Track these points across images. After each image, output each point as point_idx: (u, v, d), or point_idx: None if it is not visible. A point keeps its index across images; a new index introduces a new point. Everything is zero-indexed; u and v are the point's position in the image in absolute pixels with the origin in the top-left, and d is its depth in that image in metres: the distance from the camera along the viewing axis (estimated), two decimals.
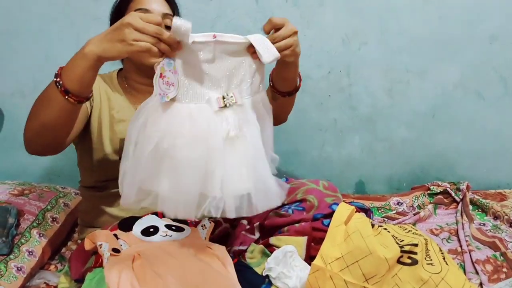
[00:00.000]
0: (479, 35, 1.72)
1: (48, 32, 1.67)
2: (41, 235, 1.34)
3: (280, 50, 0.97)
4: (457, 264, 1.23)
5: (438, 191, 1.69)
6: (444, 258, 1.09)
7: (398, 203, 1.66)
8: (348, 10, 1.69)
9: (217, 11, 1.65)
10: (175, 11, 1.30)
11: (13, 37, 1.67)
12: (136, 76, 1.28)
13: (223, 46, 0.94)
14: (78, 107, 1.03)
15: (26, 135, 1.07)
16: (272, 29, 0.99)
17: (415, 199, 1.65)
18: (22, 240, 1.28)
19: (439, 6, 1.69)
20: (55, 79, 0.97)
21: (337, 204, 1.21)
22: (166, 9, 1.24)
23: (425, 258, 1.06)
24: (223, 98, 0.96)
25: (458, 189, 1.68)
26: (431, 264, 1.05)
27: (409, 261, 1.04)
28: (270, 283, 1.12)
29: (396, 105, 1.79)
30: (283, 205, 1.30)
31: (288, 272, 1.12)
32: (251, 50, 0.97)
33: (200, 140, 0.92)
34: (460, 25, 1.71)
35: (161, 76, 0.92)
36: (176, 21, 0.86)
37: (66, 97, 0.96)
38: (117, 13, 1.27)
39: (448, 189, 1.68)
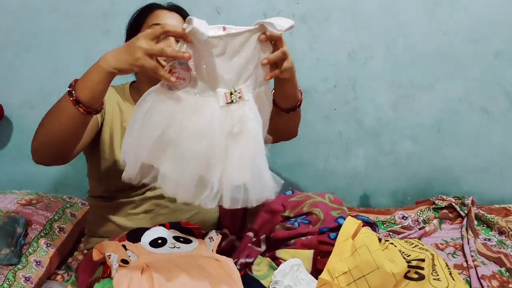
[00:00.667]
0: (484, 51, 1.74)
1: (58, 45, 1.69)
2: (48, 245, 1.35)
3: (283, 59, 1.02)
4: (463, 279, 1.23)
5: (443, 206, 1.69)
6: (450, 274, 1.10)
7: (403, 217, 1.66)
8: (355, 25, 1.72)
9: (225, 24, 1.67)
10: None
11: (23, 49, 1.69)
12: (148, 88, 1.28)
13: (234, 39, 0.96)
14: (88, 118, 1.05)
15: (34, 144, 1.09)
16: (267, 40, 1.00)
17: (420, 214, 1.66)
18: (30, 250, 1.29)
19: (445, 22, 1.71)
20: (68, 89, 1.00)
21: (343, 218, 1.22)
22: (181, 25, 1.25)
23: (431, 273, 1.07)
24: (231, 94, 0.98)
25: (463, 204, 1.68)
26: (438, 279, 1.05)
27: (416, 276, 1.05)
28: None
29: (401, 119, 1.81)
30: (289, 218, 1.30)
31: (295, 286, 1.12)
32: (261, 37, 0.97)
33: (205, 135, 0.94)
34: (465, 41, 1.73)
35: (170, 72, 0.94)
36: (194, 26, 0.90)
37: (77, 106, 0.99)
38: (134, 27, 1.29)
39: (453, 203, 1.68)
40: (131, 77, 1.34)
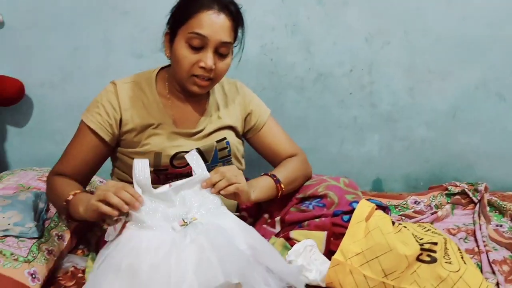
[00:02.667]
0: (502, 37, 1.72)
1: (78, 26, 1.71)
2: (68, 220, 1.39)
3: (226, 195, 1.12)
4: (475, 263, 1.25)
5: (456, 192, 1.70)
6: (462, 257, 1.11)
7: (416, 202, 1.68)
8: (372, 9, 1.71)
9: (243, 7, 1.67)
10: (238, 25, 1.22)
11: (44, 30, 1.72)
12: (177, 85, 1.26)
13: (180, 188, 1.09)
14: None
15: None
16: (209, 186, 1.11)
17: (432, 199, 1.67)
18: (52, 225, 1.33)
19: (464, 7, 1.69)
20: (64, 204, 1.16)
21: (357, 202, 1.24)
22: (227, 33, 1.16)
23: (444, 256, 1.08)
24: (183, 219, 1.05)
25: (476, 190, 1.69)
26: (450, 262, 1.07)
27: (428, 259, 1.06)
28: None
29: (417, 104, 1.81)
30: (303, 200, 1.33)
31: (308, 265, 1.15)
32: (203, 185, 1.11)
33: (164, 265, 0.95)
34: (484, 26, 1.71)
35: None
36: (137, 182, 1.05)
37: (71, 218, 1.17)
38: (177, 18, 1.19)
39: (466, 189, 1.69)
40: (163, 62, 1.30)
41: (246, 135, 1.42)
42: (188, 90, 1.20)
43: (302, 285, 1.07)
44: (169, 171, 1.26)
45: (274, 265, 1.02)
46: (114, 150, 1.30)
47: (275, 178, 1.27)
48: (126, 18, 1.70)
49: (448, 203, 1.66)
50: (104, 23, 1.71)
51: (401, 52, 1.75)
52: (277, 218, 1.33)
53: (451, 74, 1.77)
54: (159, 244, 0.98)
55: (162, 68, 1.31)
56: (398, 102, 1.81)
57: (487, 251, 1.34)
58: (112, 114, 1.22)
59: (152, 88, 1.26)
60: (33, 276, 1.13)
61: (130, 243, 0.98)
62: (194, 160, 1.15)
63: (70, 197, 1.13)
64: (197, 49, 1.14)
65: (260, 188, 1.23)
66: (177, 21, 1.18)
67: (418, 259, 1.07)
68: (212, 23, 1.13)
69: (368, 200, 1.27)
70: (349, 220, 1.18)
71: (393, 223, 1.16)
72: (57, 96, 1.78)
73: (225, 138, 1.32)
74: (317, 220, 1.24)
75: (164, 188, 1.09)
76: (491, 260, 1.29)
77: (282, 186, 1.27)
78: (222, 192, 1.11)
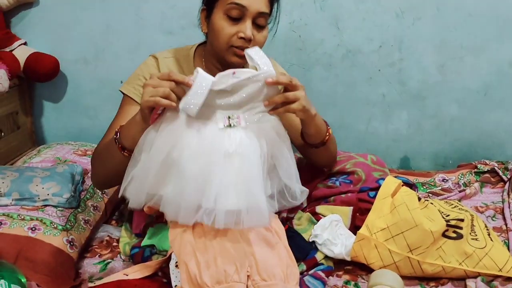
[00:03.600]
0: None
1: (110, 3, 1.75)
2: (103, 192, 1.45)
3: (288, 101, 1.02)
4: (502, 241, 1.25)
5: (485, 170, 1.68)
6: (489, 234, 1.12)
7: (443, 180, 1.67)
8: None
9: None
10: (274, 1, 1.21)
11: (78, 7, 1.76)
12: (215, 61, 1.24)
13: (242, 80, 0.98)
14: None
15: (93, 182, 1.20)
16: (275, 84, 1.01)
17: (461, 177, 1.66)
18: (87, 196, 1.40)
19: None
20: (114, 136, 1.06)
21: (384, 179, 1.24)
22: (265, 4, 1.15)
23: (470, 233, 1.09)
24: (229, 117, 1.00)
25: (506, 169, 1.67)
26: (476, 239, 1.08)
27: (454, 235, 1.07)
28: (316, 249, 1.19)
29: (448, 82, 1.78)
30: (330, 177, 1.34)
31: (334, 240, 1.18)
32: (268, 81, 1.00)
33: (204, 154, 0.97)
34: None
35: None
36: (198, 80, 0.94)
37: (123, 152, 1.05)
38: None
39: (496, 168, 1.67)
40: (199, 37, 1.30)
41: None
42: (228, 62, 1.18)
43: None
44: None
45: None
46: None
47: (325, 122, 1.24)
48: None
49: (477, 181, 1.64)
50: (135, 1, 1.74)
51: (432, 28, 1.72)
52: None
53: (483, 51, 1.73)
54: (199, 141, 0.98)
55: (199, 45, 1.31)
56: (428, 80, 1.78)
57: None
58: None
59: (190, 64, 1.27)
60: (71, 243, 1.19)
61: (173, 133, 0.98)
62: (259, 56, 1.02)
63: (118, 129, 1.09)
64: (236, 19, 1.14)
65: (318, 115, 1.18)
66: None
67: (444, 235, 1.08)
68: None
69: (395, 177, 1.28)
70: (375, 196, 1.20)
71: (419, 199, 1.17)
72: (90, 72, 1.83)
73: None
74: (343, 195, 1.26)
75: (227, 75, 0.97)
76: None
77: (330, 132, 1.23)
78: (290, 83, 1.02)
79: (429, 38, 1.73)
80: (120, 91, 1.23)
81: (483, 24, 1.70)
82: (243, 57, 1.12)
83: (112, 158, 1.08)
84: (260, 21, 1.16)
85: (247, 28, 1.13)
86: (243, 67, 1.11)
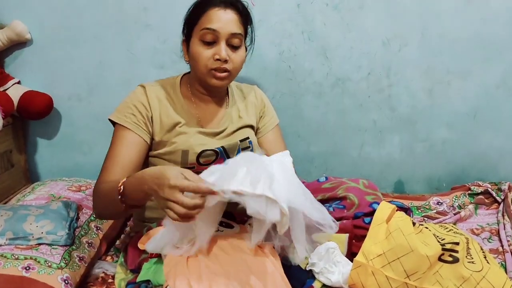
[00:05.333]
0: None
1: (102, 39, 1.78)
2: (98, 228, 1.45)
3: None
4: (499, 263, 1.25)
5: (479, 191, 1.69)
6: (485, 257, 1.11)
7: (438, 203, 1.67)
8: (389, 12, 1.72)
9: (260, 16, 1.71)
10: (247, 20, 1.29)
11: (70, 44, 1.78)
12: (199, 86, 1.33)
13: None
14: None
15: (94, 213, 1.27)
16: None
17: (455, 199, 1.67)
18: (82, 232, 1.39)
19: (482, 8, 1.69)
20: (118, 189, 1.08)
21: (378, 203, 1.25)
22: (236, 25, 1.23)
23: (466, 256, 1.09)
24: None
25: (500, 190, 1.68)
26: (472, 262, 1.08)
27: (450, 259, 1.07)
28: (314, 278, 1.18)
29: (437, 105, 1.81)
30: (323, 203, 1.35)
31: (331, 268, 1.17)
32: None
33: None
34: (503, 26, 1.70)
35: None
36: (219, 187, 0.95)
37: (124, 205, 1.10)
38: (190, 23, 1.28)
39: (489, 189, 1.68)
40: (183, 72, 1.38)
41: None
42: (209, 85, 1.26)
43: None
44: (196, 168, 1.29)
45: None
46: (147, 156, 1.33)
47: None
48: (148, 31, 1.75)
49: (471, 203, 1.65)
50: (127, 36, 1.77)
51: (419, 54, 1.76)
52: None
53: (470, 74, 1.77)
54: None
55: (184, 75, 1.38)
56: (418, 104, 1.81)
57: (511, 251, 1.33)
58: (144, 113, 1.27)
59: (176, 91, 1.33)
60: (66, 281, 1.18)
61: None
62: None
63: (123, 181, 1.10)
64: (210, 43, 1.22)
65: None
66: (190, 24, 1.27)
67: (440, 259, 1.07)
68: (220, 17, 1.22)
69: (389, 202, 1.28)
70: (370, 222, 1.19)
71: (414, 224, 1.17)
72: (83, 108, 1.85)
73: (248, 138, 1.36)
74: (338, 222, 1.26)
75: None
76: None
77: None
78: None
79: (416, 64, 1.77)
80: (110, 120, 1.26)
81: (468, 49, 1.74)
82: (222, 78, 1.24)
83: (114, 207, 1.12)
84: (234, 42, 1.24)
85: (221, 49, 1.21)
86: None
